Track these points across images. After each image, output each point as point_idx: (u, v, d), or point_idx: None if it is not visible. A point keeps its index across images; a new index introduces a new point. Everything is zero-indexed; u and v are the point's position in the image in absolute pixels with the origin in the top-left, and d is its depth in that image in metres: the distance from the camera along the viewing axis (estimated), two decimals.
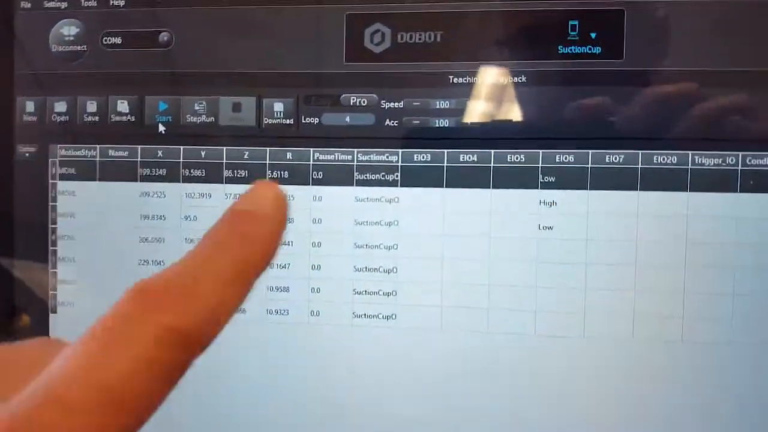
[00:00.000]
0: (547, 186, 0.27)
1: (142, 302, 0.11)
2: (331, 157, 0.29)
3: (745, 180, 0.26)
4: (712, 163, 0.26)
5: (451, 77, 0.27)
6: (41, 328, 0.31)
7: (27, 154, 0.30)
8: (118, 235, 0.30)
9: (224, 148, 0.29)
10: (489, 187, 0.28)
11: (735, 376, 0.27)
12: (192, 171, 0.29)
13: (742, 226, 0.26)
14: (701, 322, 0.27)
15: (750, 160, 0.26)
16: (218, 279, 0.12)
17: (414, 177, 0.28)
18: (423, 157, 0.28)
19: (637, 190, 0.27)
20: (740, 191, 0.26)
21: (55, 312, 0.31)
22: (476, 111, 0.28)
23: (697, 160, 0.27)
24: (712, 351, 0.27)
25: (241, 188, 0.29)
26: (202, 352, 0.12)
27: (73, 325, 0.31)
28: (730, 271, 0.26)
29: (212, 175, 0.29)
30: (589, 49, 0.27)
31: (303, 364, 0.29)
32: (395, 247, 0.28)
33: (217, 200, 0.29)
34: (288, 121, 0.29)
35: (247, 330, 0.29)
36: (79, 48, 0.30)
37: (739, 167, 0.26)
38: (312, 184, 0.29)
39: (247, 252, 0.12)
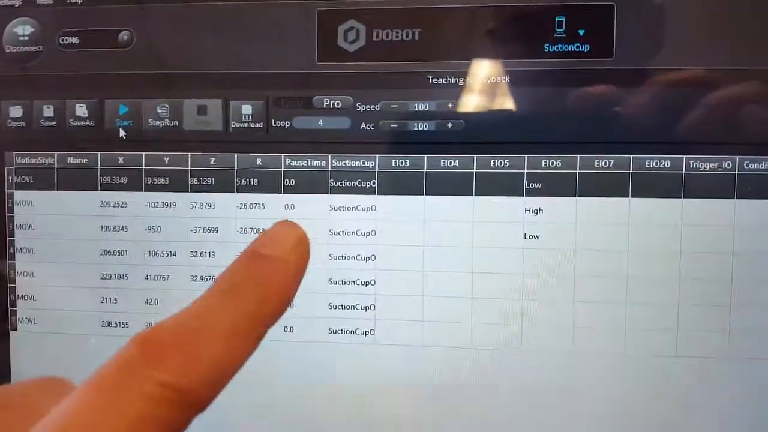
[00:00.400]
0: (533, 193, 0.26)
1: (143, 354, 0.11)
2: (304, 163, 0.27)
3: (743, 185, 0.25)
4: (708, 168, 0.25)
5: (430, 77, 0.26)
6: (1, 345, 0.29)
7: None
8: (78, 247, 0.28)
9: (189, 154, 0.27)
10: (472, 194, 0.26)
11: (731, 389, 0.25)
12: (155, 179, 0.27)
13: (739, 234, 0.25)
14: (695, 335, 0.25)
15: (747, 164, 0.25)
16: (226, 332, 0.11)
17: (392, 184, 0.26)
18: (401, 163, 0.26)
19: (628, 196, 0.25)
20: (737, 197, 0.25)
21: (15, 329, 0.29)
22: (457, 113, 0.26)
23: (691, 165, 0.25)
24: (707, 365, 0.25)
25: (207, 197, 0.27)
26: (203, 411, 0.11)
27: (34, 343, 0.29)
28: (727, 283, 0.25)
29: (177, 183, 0.27)
30: (577, 47, 0.25)
31: (277, 382, 0.27)
32: (373, 258, 0.27)
33: (182, 210, 0.27)
34: (257, 125, 0.27)
35: None
36: (34, 48, 0.28)
37: (737, 172, 0.25)
38: (284, 192, 0.27)
39: (262, 301, 0.12)
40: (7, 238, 0.29)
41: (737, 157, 0.25)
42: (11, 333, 0.29)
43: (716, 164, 0.25)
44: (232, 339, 0.11)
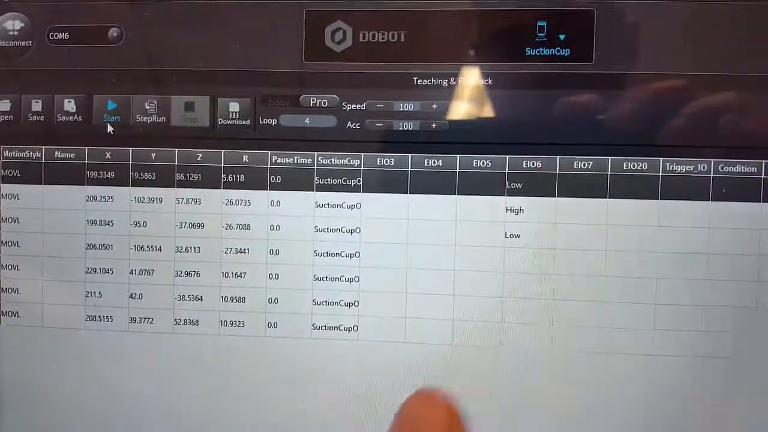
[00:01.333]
0: (513, 193, 0.26)
1: None
2: (290, 160, 0.27)
3: (717, 188, 0.25)
4: (684, 170, 0.26)
5: (415, 78, 0.26)
6: None
7: None
8: (63, 241, 0.28)
9: (176, 149, 0.28)
10: (455, 194, 0.27)
11: (712, 388, 0.26)
12: (142, 174, 0.28)
13: (714, 234, 0.25)
14: (672, 334, 0.26)
15: (722, 167, 0.25)
16: None
17: (377, 182, 0.27)
18: (386, 162, 0.27)
19: (606, 197, 0.26)
20: (712, 199, 0.25)
21: None
22: (441, 114, 0.26)
23: (668, 167, 0.26)
24: (685, 364, 0.26)
25: (193, 192, 0.28)
26: None
27: (18, 335, 0.29)
28: (706, 283, 0.26)
29: (163, 178, 0.28)
30: (558, 51, 0.26)
31: (260, 378, 0.28)
32: (357, 255, 0.27)
33: (168, 205, 0.28)
34: (244, 122, 0.27)
35: (201, 343, 0.28)
36: (24, 43, 0.28)
37: (711, 174, 0.25)
38: (270, 189, 0.27)
39: None
40: None
41: (712, 160, 0.25)
42: None
43: (692, 167, 0.26)
44: None
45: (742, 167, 0.25)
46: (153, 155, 0.28)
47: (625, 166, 0.26)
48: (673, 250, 0.26)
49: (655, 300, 0.26)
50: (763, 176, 0.25)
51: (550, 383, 0.26)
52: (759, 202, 0.25)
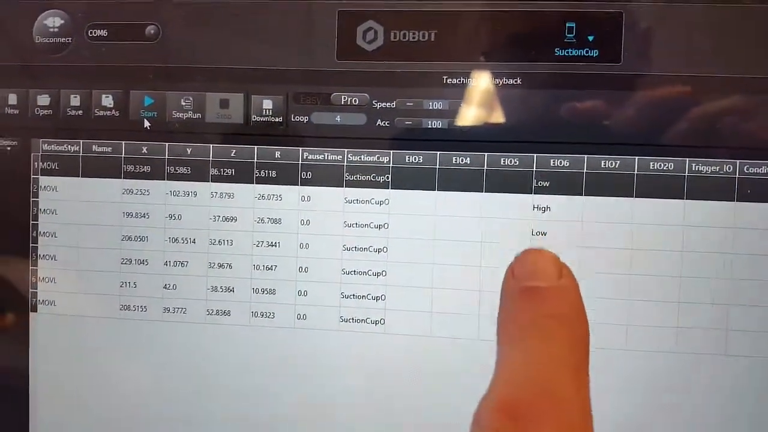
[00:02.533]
0: (541, 191, 0.27)
1: (517, 426, 0.10)
2: (321, 156, 0.28)
3: (743, 188, 0.26)
4: (709, 171, 0.26)
5: (445, 78, 0.27)
6: (22, 325, 0.30)
7: (9, 148, 0.30)
8: (100, 232, 0.29)
9: (210, 145, 0.28)
10: (482, 191, 0.27)
11: (736, 387, 0.26)
12: (177, 168, 0.28)
13: (739, 235, 0.26)
14: (696, 332, 0.26)
15: (748, 168, 0.26)
16: (574, 383, 0.11)
17: (405, 179, 0.27)
18: (415, 159, 0.27)
19: (633, 196, 0.26)
20: (737, 200, 0.26)
21: (35, 310, 0.30)
22: (470, 113, 0.27)
23: (694, 167, 0.26)
24: (709, 362, 0.26)
25: (226, 187, 0.28)
26: None
27: (54, 323, 0.30)
28: (728, 282, 0.26)
29: (198, 173, 0.28)
30: (586, 52, 0.26)
31: (289, 368, 0.28)
32: (385, 250, 0.28)
33: (202, 199, 0.28)
34: (277, 119, 0.28)
35: (232, 333, 0.29)
36: (63, 40, 0.29)
37: (737, 175, 0.26)
38: (300, 185, 0.28)
39: (575, 336, 0.11)
40: (31, 222, 0.30)
41: (738, 161, 0.26)
42: (31, 314, 0.30)
43: (717, 167, 0.26)
44: (582, 390, 0.11)
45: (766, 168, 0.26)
46: (188, 150, 0.28)
47: (651, 165, 0.26)
48: (697, 249, 0.26)
49: (678, 298, 0.26)
50: None
51: None
52: None
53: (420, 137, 0.27)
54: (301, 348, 0.28)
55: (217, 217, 0.28)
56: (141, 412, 0.29)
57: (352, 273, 0.28)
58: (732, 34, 0.25)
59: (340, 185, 0.28)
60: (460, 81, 0.27)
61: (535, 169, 0.27)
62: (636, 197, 0.26)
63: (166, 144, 0.28)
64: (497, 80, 0.27)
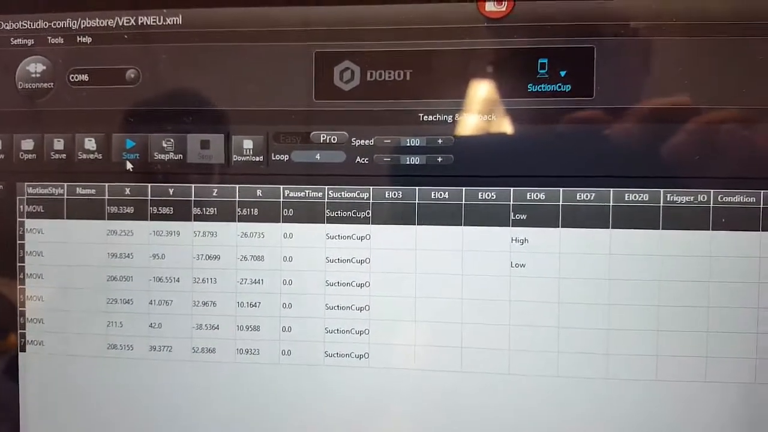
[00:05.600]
0: (518, 224, 0.27)
1: None
2: (302, 194, 0.28)
3: (717, 218, 0.26)
4: (684, 201, 0.26)
5: (421, 115, 0.27)
6: (10, 366, 0.30)
7: None
8: (86, 273, 0.29)
9: (193, 185, 0.29)
10: (461, 225, 0.27)
11: (712, 415, 0.26)
12: (160, 209, 0.29)
13: (716, 264, 0.26)
14: (675, 360, 0.26)
15: (722, 198, 0.26)
16: None
17: (385, 214, 0.28)
18: (394, 195, 0.28)
19: (609, 228, 0.27)
20: (712, 229, 0.26)
21: (24, 350, 0.30)
22: (446, 148, 0.27)
23: (669, 198, 0.26)
24: (687, 390, 0.26)
25: (209, 226, 0.29)
26: None
27: (42, 363, 0.30)
28: (704, 310, 0.26)
29: (180, 213, 0.29)
30: (559, 87, 0.26)
31: (274, 404, 0.29)
32: (367, 284, 0.28)
33: (185, 238, 0.29)
34: (258, 158, 0.28)
35: (218, 370, 0.29)
36: (45, 85, 0.29)
37: (711, 204, 0.26)
38: (282, 222, 0.28)
39: None
40: (18, 264, 0.30)
41: (711, 190, 0.26)
42: (20, 354, 0.30)
43: (692, 197, 0.26)
44: None
45: (742, 198, 0.26)
46: (171, 191, 0.29)
47: (626, 197, 0.26)
48: (676, 278, 0.26)
49: (658, 327, 0.26)
50: (761, 206, 0.26)
51: (558, 411, 0.27)
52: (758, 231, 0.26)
53: (398, 173, 0.28)
54: (286, 383, 0.29)
55: (200, 256, 0.29)
56: None
57: (336, 308, 0.28)
58: (704, 65, 0.26)
59: (321, 221, 0.28)
60: (435, 118, 0.27)
61: (512, 202, 0.27)
62: (612, 228, 0.27)
63: (149, 185, 0.29)
64: (472, 116, 0.27)
